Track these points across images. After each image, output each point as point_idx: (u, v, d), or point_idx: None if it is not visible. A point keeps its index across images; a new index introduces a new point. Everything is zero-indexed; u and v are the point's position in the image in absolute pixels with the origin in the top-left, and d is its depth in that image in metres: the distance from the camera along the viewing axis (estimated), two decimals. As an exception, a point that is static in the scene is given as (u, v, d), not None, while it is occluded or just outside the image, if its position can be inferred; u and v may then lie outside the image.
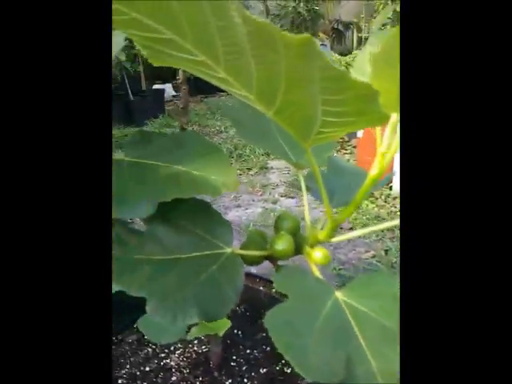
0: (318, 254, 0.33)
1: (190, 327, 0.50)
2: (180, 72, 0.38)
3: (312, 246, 0.34)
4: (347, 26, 5.26)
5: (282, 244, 0.33)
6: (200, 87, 4.33)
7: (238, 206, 1.49)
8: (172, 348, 0.58)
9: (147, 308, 0.26)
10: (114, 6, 0.19)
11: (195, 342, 0.59)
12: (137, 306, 0.64)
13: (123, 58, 2.97)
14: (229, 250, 0.32)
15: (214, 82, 0.22)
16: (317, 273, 0.32)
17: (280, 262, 0.35)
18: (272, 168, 1.90)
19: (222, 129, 2.77)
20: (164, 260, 0.29)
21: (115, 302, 0.64)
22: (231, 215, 1.42)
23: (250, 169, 1.87)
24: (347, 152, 2.09)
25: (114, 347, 0.59)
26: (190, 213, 0.32)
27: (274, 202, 1.52)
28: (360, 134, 1.54)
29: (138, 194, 0.29)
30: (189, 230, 0.32)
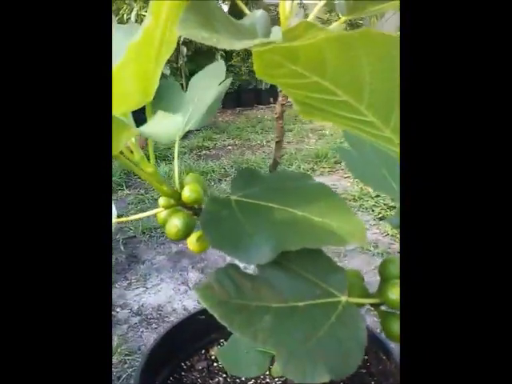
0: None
1: (272, 363, 0.48)
2: (277, 107, 0.37)
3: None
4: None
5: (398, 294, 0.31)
6: (237, 100, 4.38)
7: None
8: (244, 378, 0.57)
9: (279, 365, 0.24)
10: (275, 58, 0.18)
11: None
12: (206, 332, 0.64)
13: (168, 71, 3.05)
14: (344, 299, 0.30)
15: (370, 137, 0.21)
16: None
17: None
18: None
19: (264, 142, 2.77)
20: (282, 308, 0.28)
21: (182, 326, 0.63)
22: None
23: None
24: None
25: (183, 374, 0.59)
26: (300, 256, 0.31)
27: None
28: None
29: (257, 239, 0.28)
30: (300, 275, 0.31)
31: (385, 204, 1.63)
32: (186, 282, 1.16)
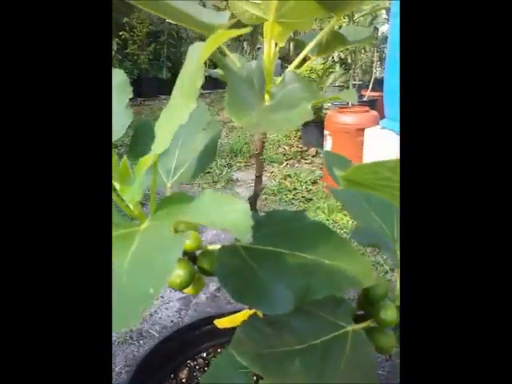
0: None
1: (257, 380, 0.50)
2: (256, 142, 0.39)
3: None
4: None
5: (391, 314, 0.35)
6: (138, 90, 4.18)
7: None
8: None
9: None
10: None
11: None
12: (174, 358, 0.63)
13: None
14: (350, 328, 0.33)
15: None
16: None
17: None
18: (238, 180, 1.91)
19: (175, 137, 2.71)
20: (304, 349, 0.30)
21: (154, 352, 0.61)
22: (209, 234, 1.41)
23: (215, 182, 1.87)
24: (307, 162, 2.16)
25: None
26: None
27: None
28: (328, 146, 1.61)
29: (277, 289, 0.30)
30: (311, 312, 0.33)
31: (302, 197, 1.73)
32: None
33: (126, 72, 0.37)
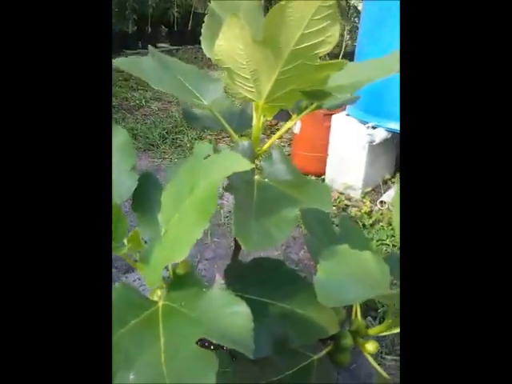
0: (370, 346, 0.45)
1: None
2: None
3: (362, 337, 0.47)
4: None
5: (349, 341, 0.44)
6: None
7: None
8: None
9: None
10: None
11: None
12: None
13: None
14: (315, 357, 0.42)
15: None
16: (372, 362, 0.44)
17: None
18: (208, 156, 1.94)
19: (143, 102, 2.66)
20: (281, 379, 0.39)
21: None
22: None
23: (186, 157, 1.89)
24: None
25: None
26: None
27: (220, 197, 1.60)
28: (297, 129, 1.67)
29: (259, 337, 0.37)
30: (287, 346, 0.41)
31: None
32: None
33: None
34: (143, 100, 2.70)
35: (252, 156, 0.39)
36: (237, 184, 0.33)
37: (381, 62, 0.38)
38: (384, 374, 0.41)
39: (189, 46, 4.64)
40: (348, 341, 0.45)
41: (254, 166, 0.28)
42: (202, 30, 0.40)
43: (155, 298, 0.41)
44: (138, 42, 4.45)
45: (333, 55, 3.27)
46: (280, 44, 0.31)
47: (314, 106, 0.41)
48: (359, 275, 0.31)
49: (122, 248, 0.33)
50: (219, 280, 0.37)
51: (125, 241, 0.36)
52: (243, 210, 0.31)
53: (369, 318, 1.01)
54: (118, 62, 0.37)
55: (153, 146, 1.98)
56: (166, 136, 2.05)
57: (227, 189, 0.32)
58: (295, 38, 0.30)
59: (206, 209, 0.28)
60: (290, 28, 0.30)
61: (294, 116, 0.46)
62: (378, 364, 0.44)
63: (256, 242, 0.29)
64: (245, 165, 0.27)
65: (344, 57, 2.70)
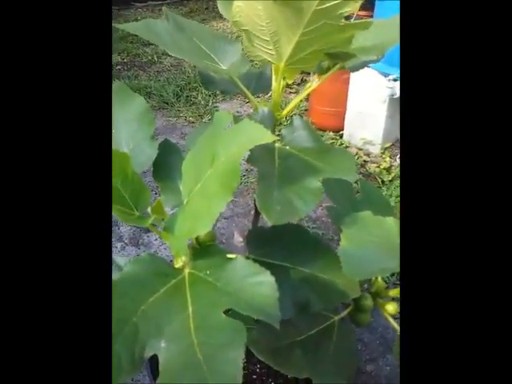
0: (390, 307, 0.46)
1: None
2: None
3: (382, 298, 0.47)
4: None
5: (369, 302, 0.45)
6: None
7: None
8: None
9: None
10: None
11: None
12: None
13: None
14: (337, 318, 0.43)
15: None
16: (393, 322, 0.45)
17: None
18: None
19: (155, 58, 2.60)
20: (303, 340, 0.40)
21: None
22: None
23: (201, 116, 1.87)
24: (292, 91, 2.16)
25: None
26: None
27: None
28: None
29: (282, 299, 0.38)
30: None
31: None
32: (121, 239, 1.20)
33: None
34: (155, 56, 2.63)
35: (272, 123, 0.38)
36: (258, 154, 0.32)
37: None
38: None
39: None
40: (368, 302, 0.46)
41: (276, 138, 0.27)
42: (218, -11, 0.38)
43: (179, 263, 0.42)
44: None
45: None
46: (302, 4, 0.30)
47: (337, 66, 0.40)
48: (383, 244, 0.31)
49: (147, 219, 0.34)
50: (237, 238, 0.37)
51: (149, 210, 0.36)
52: (266, 181, 0.31)
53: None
54: (130, 27, 0.36)
55: (167, 104, 1.96)
56: (180, 93, 2.02)
57: (249, 160, 0.32)
58: (318, -4, 0.29)
59: (229, 183, 0.28)
60: (312, -14, 0.28)
61: (314, 76, 0.44)
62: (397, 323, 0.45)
63: (279, 215, 0.29)
64: (267, 137, 0.26)
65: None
